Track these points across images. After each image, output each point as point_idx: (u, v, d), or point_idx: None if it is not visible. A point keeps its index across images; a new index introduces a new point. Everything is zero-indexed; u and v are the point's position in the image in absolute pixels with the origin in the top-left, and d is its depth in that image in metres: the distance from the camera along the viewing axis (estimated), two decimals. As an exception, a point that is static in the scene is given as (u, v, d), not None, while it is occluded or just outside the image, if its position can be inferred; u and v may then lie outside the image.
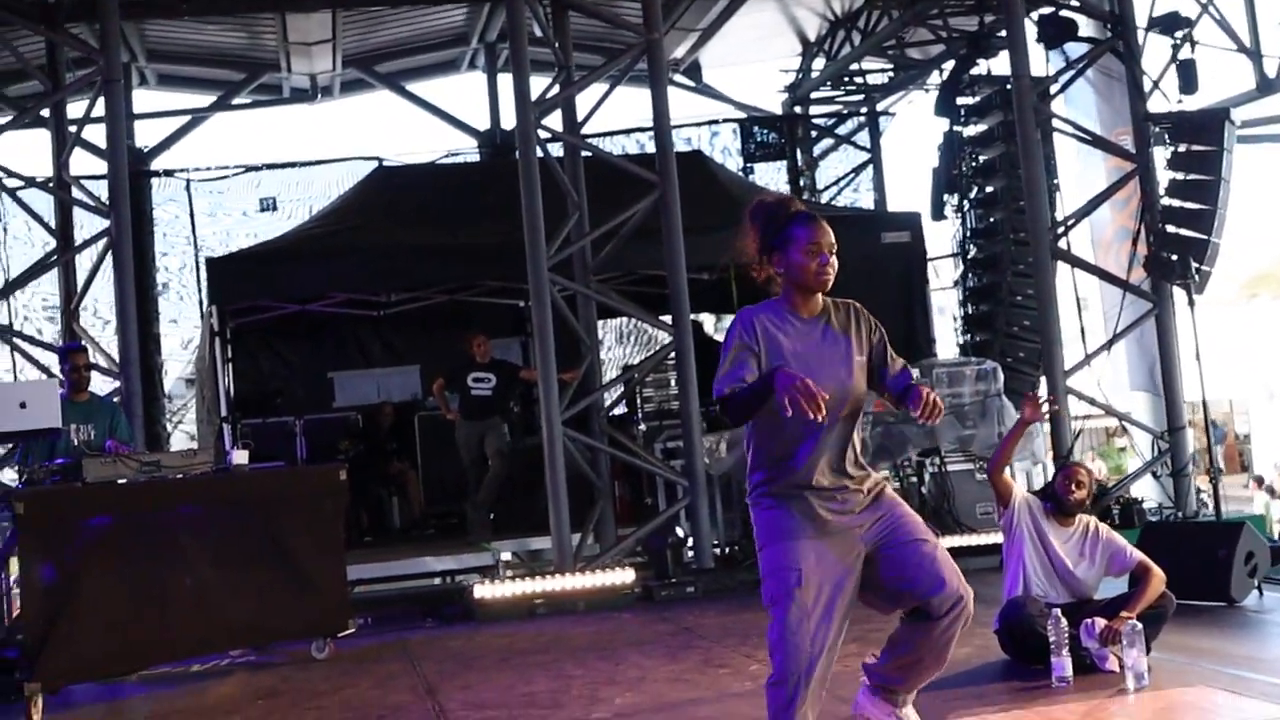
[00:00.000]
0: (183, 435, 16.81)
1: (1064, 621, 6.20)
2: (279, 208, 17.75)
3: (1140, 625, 6.14)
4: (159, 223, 17.20)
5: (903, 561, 4.36)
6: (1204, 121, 11.99)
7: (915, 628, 4.43)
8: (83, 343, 11.39)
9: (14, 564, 8.54)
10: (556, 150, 12.17)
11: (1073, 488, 6.73)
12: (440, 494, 14.25)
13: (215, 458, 8.56)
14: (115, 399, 10.58)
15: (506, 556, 12.41)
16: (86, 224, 13.47)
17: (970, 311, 14.95)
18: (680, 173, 11.79)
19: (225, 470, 8.37)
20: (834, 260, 4.37)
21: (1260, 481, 21.79)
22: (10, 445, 8.39)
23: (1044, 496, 6.89)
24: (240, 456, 8.59)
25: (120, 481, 7.79)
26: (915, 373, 4.51)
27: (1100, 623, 6.40)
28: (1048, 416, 7.83)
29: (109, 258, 11.53)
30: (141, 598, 7.72)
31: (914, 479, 11.73)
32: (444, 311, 15.68)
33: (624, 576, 10.32)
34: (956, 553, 7.49)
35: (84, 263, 13.14)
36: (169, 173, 17.28)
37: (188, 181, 17.28)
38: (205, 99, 17.94)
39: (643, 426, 13.28)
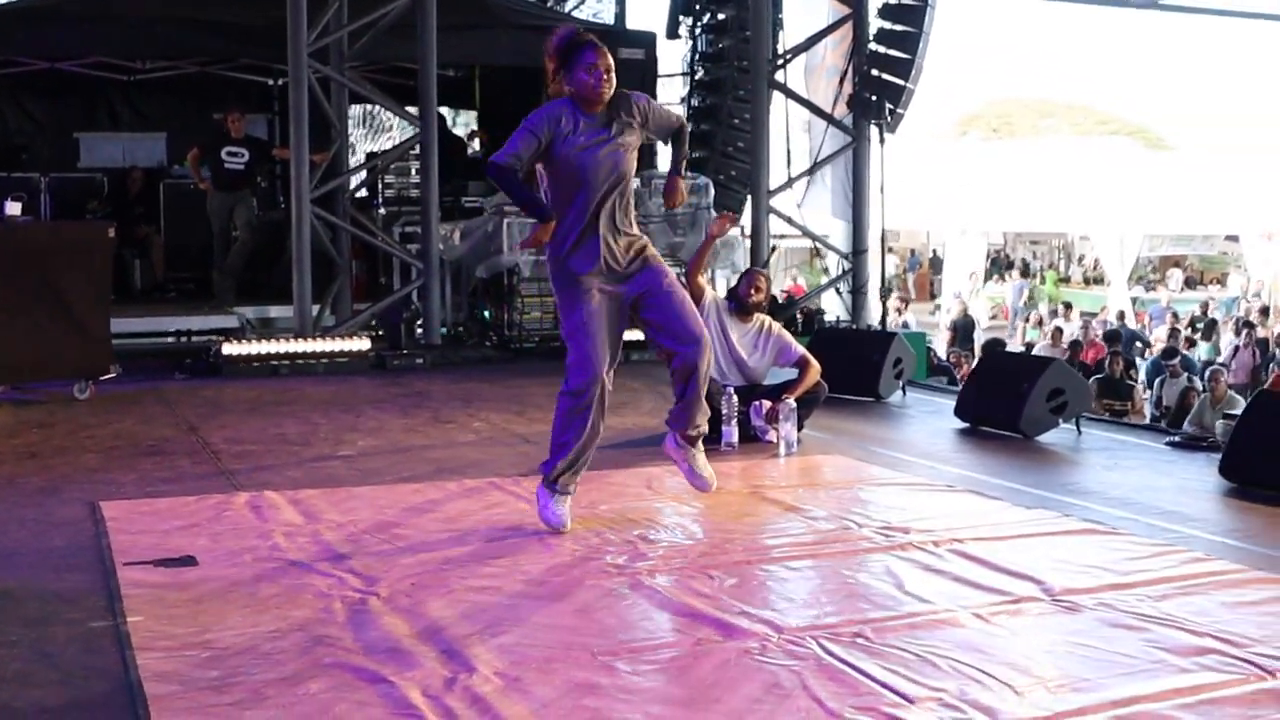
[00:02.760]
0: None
1: (735, 398, 7.56)
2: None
3: (794, 405, 7.56)
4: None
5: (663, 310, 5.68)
6: (913, -23, 13.25)
7: (677, 374, 5.79)
8: None
9: None
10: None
11: (752, 291, 8.02)
12: (182, 260, 14.72)
13: (-12, 209, 9.19)
14: None
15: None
16: None
17: (692, 129, 16.13)
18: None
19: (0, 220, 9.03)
20: (610, 78, 5.45)
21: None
22: None
23: (729, 297, 8.19)
24: (13, 208, 9.26)
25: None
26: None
27: (765, 404, 7.77)
28: (733, 233, 9.14)
29: None
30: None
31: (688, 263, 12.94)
32: (195, 82, 16.13)
33: (360, 345, 11.33)
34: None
35: None
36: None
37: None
38: None
39: (383, 211, 14.19)
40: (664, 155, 15.40)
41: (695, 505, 6.11)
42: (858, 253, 13.63)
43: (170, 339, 13.08)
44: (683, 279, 12.40)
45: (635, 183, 7.01)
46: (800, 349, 8.15)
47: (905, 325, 19.82)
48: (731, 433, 7.55)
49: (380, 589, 4.70)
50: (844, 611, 4.46)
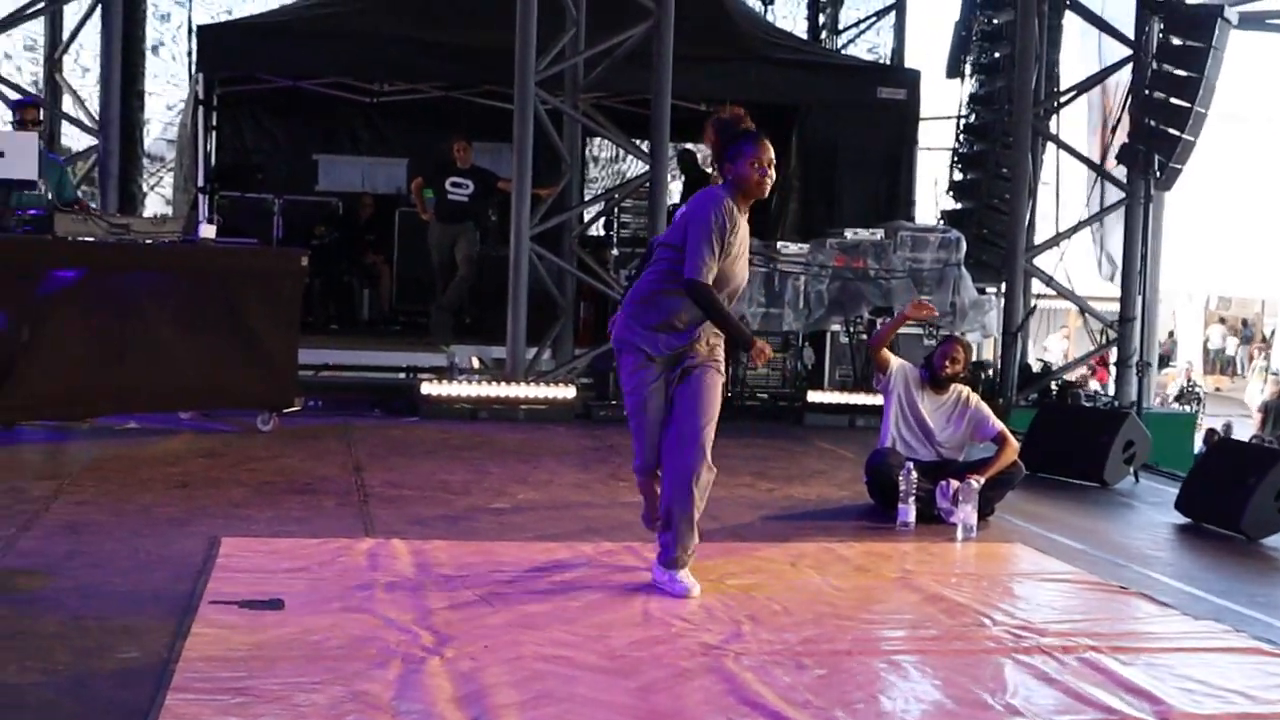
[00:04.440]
0: (158, 199, 18.01)
1: (914, 474, 7.54)
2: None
3: (976, 484, 7.50)
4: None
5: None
6: (1197, 15, 12.92)
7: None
8: (37, 96, 12.50)
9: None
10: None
11: (946, 363, 8.01)
12: (413, 291, 15.32)
13: (185, 228, 9.87)
14: (66, 160, 11.63)
15: (475, 362, 13.78)
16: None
17: (958, 178, 16.06)
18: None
19: (192, 242, 9.67)
20: (772, 173, 5.78)
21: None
22: None
23: (924, 366, 8.18)
24: (208, 230, 9.91)
25: (89, 239, 9.05)
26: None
27: (953, 484, 7.72)
28: (928, 319, 9.21)
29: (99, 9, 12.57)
30: (99, 350, 9.05)
31: (863, 336, 12.92)
32: (438, 107, 16.81)
33: (566, 392, 11.66)
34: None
35: (72, 8, 14.13)
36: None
37: (190, -63, 18.25)
38: None
39: (615, 252, 14.55)
40: (920, 207, 15.43)
41: (833, 586, 6.14)
42: (1124, 320, 13.31)
43: (383, 373, 13.69)
44: (928, 340, 12.47)
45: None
46: (999, 425, 8.09)
47: (1193, 402, 19.22)
48: (908, 512, 7.54)
49: (448, 649, 4.90)
50: (920, 716, 4.45)
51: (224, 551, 6.21)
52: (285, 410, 10.00)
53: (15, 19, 14.00)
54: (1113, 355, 13.91)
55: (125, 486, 7.72)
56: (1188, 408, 21.08)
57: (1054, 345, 27.37)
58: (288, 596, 5.49)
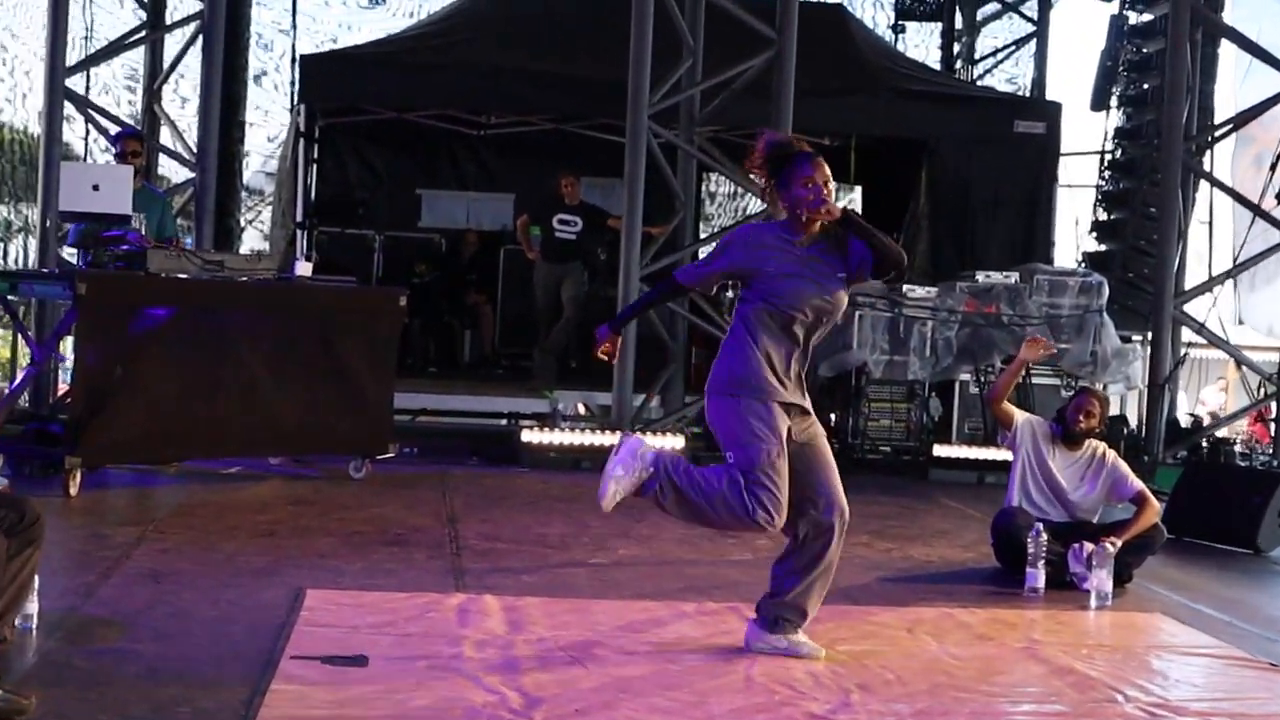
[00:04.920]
0: (255, 234, 18.33)
1: (1044, 536, 7.46)
2: (387, 3, 19.17)
3: (1112, 548, 7.40)
4: (262, 3, 18.48)
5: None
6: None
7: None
8: (139, 129, 12.80)
9: (67, 342, 10.18)
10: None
11: (1080, 417, 7.93)
12: (517, 333, 15.45)
13: (280, 265, 10.05)
14: (165, 192, 11.93)
15: (581, 408, 13.85)
16: (184, 1, 14.90)
17: (1101, 217, 15.91)
18: (814, 28, 12.89)
19: (288, 280, 9.84)
20: (829, 190, 5.69)
21: None
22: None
23: (1056, 421, 8.10)
24: (304, 268, 10.08)
25: (182, 276, 9.24)
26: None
27: (1088, 548, 7.61)
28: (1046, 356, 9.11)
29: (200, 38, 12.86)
30: (189, 392, 9.22)
31: (991, 385, 12.87)
32: (548, 141, 16.94)
33: (675, 442, 11.64)
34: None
35: (171, 38, 14.46)
36: (275, -46, 18.60)
37: (295, -35, 18.59)
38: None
39: (730, 294, 14.55)
40: (1060, 249, 15.27)
41: (951, 655, 6.09)
42: (1285, 373, 13.12)
43: (484, 419, 13.81)
44: (1065, 391, 12.34)
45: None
46: (1138, 483, 7.99)
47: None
48: (1036, 576, 7.45)
49: (538, 712, 4.93)
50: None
51: (308, 604, 6.29)
52: (379, 457, 10.12)
53: (116, 48, 14.38)
54: (1272, 410, 13.68)
55: (210, 534, 7.87)
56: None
57: (1210, 398, 26.94)
58: (372, 653, 5.55)
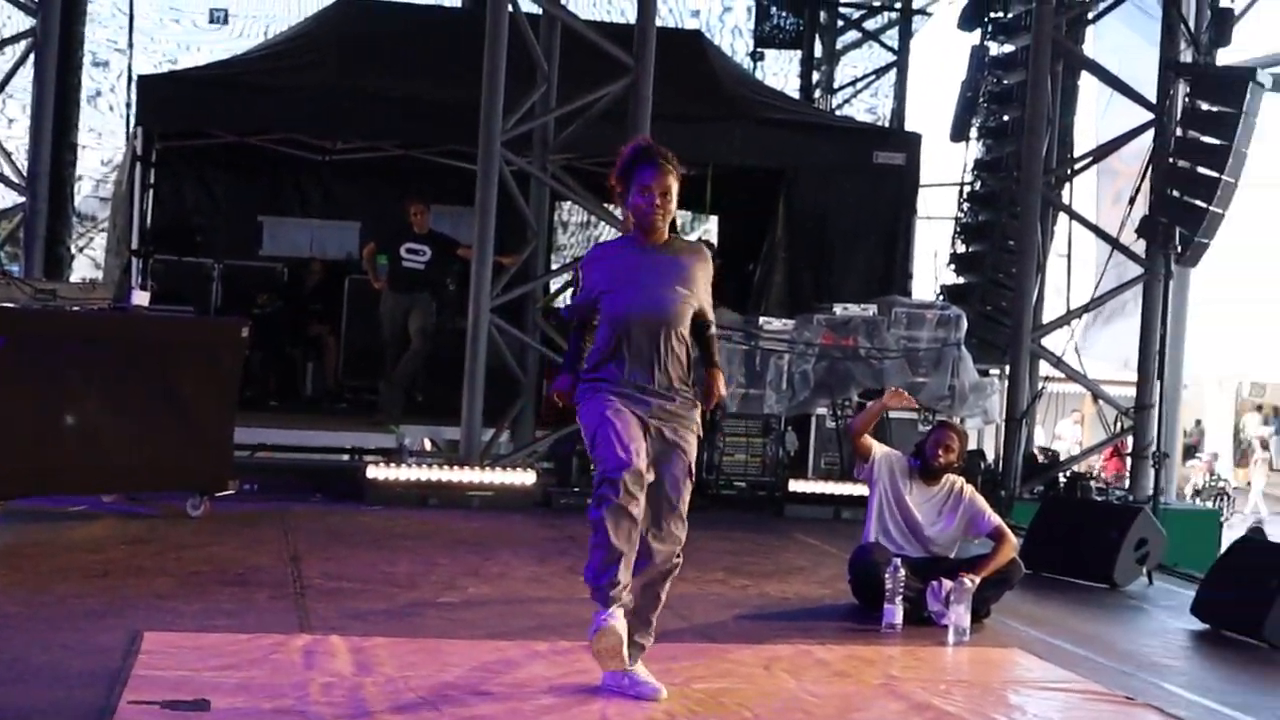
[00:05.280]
0: (86, 261, 18.11)
1: (902, 572, 7.65)
2: (230, 22, 19.06)
3: (970, 584, 7.61)
4: (97, 20, 18.29)
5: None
6: (1226, 79, 13.20)
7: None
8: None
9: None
10: (537, 10, 13.27)
11: (939, 452, 8.15)
12: (362, 366, 15.35)
13: (115, 294, 10.00)
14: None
15: (426, 444, 13.88)
16: (14, 18, 14.73)
17: (961, 250, 16.26)
18: (671, 54, 13.05)
19: (123, 310, 9.79)
20: (665, 204, 5.82)
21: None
22: None
23: (914, 455, 8.30)
24: (140, 298, 10.02)
25: (9, 305, 9.14)
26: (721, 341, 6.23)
27: (946, 585, 7.81)
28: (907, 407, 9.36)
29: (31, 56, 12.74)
30: (18, 428, 9.10)
31: (851, 420, 13.09)
32: (397, 168, 16.99)
33: (525, 478, 11.76)
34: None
35: (4, 55, 14.30)
36: (112, -32, 18.41)
37: (132, -21, 18.39)
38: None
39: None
40: (919, 281, 15.57)
41: (809, 693, 6.22)
42: (1140, 408, 13.49)
43: (327, 455, 13.78)
44: (923, 425, 12.59)
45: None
46: (995, 518, 8.22)
47: (1216, 498, 19.43)
48: (894, 613, 7.64)
49: (386, 755, 4.98)
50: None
51: (146, 647, 6.27)
52: (218, 494, 10.07)
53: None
54: (1128, 445, 14.09)
55: (41, 575, 7.80)
56: (1209, 504, 21.27)
57: (1066, 432, 27.62)
58: (215, 696, 5.56)
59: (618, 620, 5.70)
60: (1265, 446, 29.99)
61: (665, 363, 5.90)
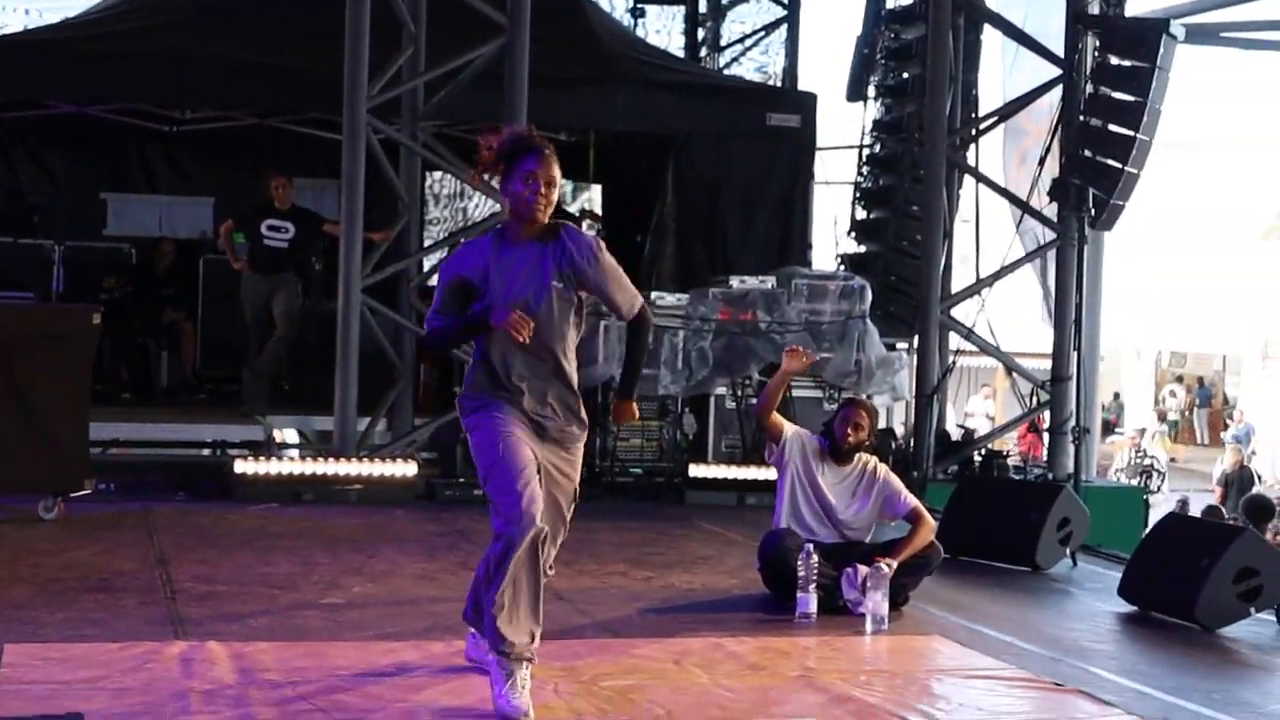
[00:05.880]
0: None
1: (815, 558, 7.77)
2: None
3: (887, 569, 7.74)
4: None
5: None
6: (1137, 31, 13.41)
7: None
8: None
9: None
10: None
11: (849, 430, 8.26)
12: (222, 354, 15.26)
13: (-51, 281, 9.89)
14: None
15: (290, 435, 13.83)
16: None
17: (861, 216, 16.45)
18: (548, 13, 13.05)
19: (-43, 297, 9.71)
20: (549, 194, 5.92)
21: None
22: None
23: (823, 435, 8.42)
24: (-16, 286, 9.92)
25: None
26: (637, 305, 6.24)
27: (862, 571, 7.93)
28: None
29: None
30: None
31: (753, 400, 13.13)
32: (253, 138, 16.81)
33: (406, 470, 11.77)
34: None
35: None
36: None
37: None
38: None
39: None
40: (819, 250, 15.71)
41: (724, 687, 6.32)
42: (1057, 380, 13.73)
43: (188, 450, 13.69)
44: (829, 404, 12.73)
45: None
46: (911, 499, 8.36)
47: (1146, 474, 19.78)
48: (808, 601, 7.76)
49: (282, 764, 5.02)
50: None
51: (8, 660, 6.25)
52: (73, 495, 10.01)
53: None
54: (1045, 420, 14.33)
55: (-121, 588, 7.73)
56: (1135, 481, 21.65)
57: (978, 408, 27.96)
58: (87, 711, 5.55)
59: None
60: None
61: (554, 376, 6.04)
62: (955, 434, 15.14)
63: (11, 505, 10.08)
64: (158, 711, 5.62)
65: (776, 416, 8.35)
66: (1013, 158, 17.17)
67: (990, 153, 16.77)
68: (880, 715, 6.00)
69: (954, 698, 6.45)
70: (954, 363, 14.61)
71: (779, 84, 18.77)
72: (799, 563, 7.75)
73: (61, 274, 15.08)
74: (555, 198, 5.95)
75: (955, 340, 14.44)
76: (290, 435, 14.50)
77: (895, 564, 7.92)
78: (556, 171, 5.94)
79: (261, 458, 11.81)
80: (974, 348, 14.41)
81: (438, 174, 17.52)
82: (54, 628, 7.00)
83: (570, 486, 6.16)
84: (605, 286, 6.04)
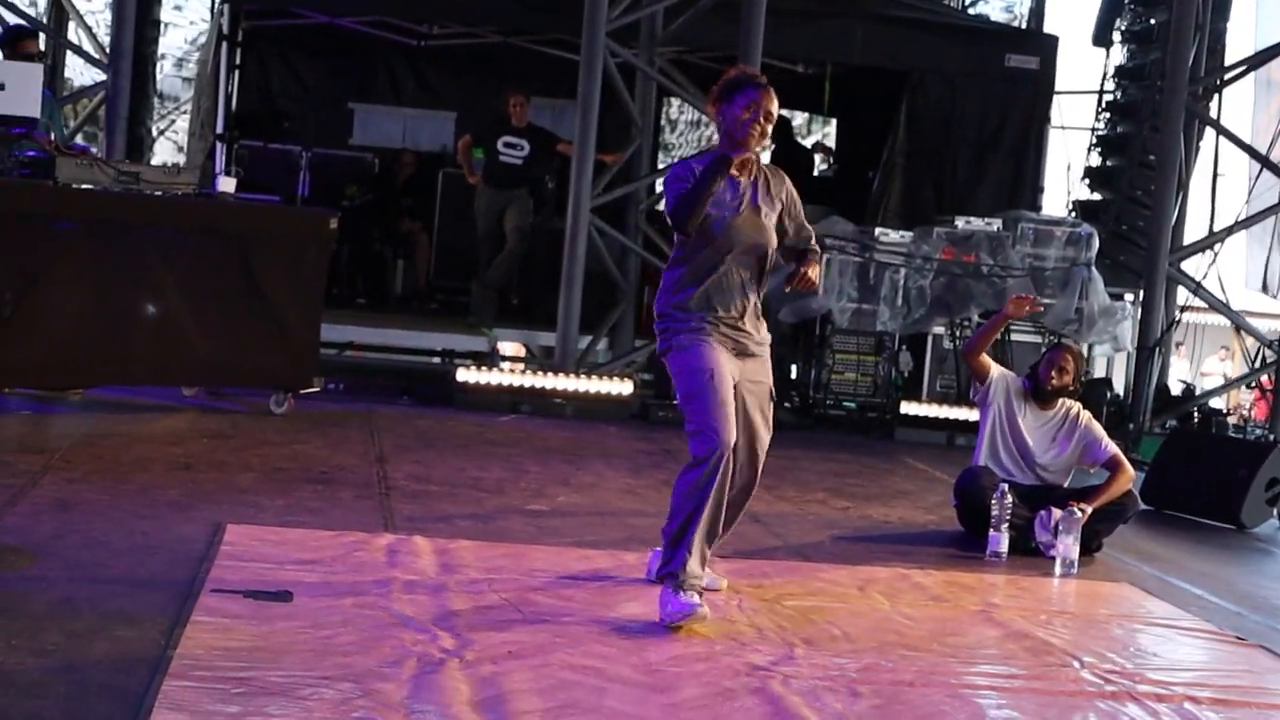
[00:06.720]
0: (169, 145, 18.53)
1: (1010, 498, 7.89)
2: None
3: (1081, 514, 7.84)
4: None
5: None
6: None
7: None
8: (34, 25, 12.93)
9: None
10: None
11: (1053, 374, 8.35)
12: (455, 266, 15.72)
13: (200, 180, 10.37)
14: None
15: (511, 347, 14.21)
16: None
17: (1096, 163, 16.32)
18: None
19: (209, 196, 10.17)
20: (765, 126, 6.13)
21: None
22: None
23: (1028, 377, 8.52)
24: (227, 184, 10.40)
25: (90, 187, 9.53)
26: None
27: (1056, 514, 8.03)
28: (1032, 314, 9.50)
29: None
30: (99, 314, 9.57)
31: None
32: (495, 56, 17.23)
33: (622, 388, 12.07)
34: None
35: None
36: None
37: None
38: None
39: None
40: (1049, 196, 15.62)
41: (903, 615, 6.52)
42: (1286, 339, 13.60)
43: (415, 356, 14.14)
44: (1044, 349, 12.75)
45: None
46: (1112, 447, 8.42)
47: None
48: (1000, 540, 7.89)
49: (469, 652, 5.32)
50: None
51: (229, 539, 6.66)
52: (303, 392, 10.48)
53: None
54: (1271, 381, 14.17)
55: (121, 465, 8.22)
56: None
57: (1214, 368, 27.44)
58: (297, 589, 5.92)
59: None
60: None
61: (755, 295, 6.31)
62: (1178, 389, 14.98)
63: (246, 398, 10.61)
64: (361, 595, 5.96)
65: (984, 356, 8.48)
66: (1263, 112, 16.88)
67: (1241, 105, 16.51)
68: (1054, 654, 6.13)
69: (1130, 643, 6.56)
70: (1179, 317, 14.48)
71: (1023, 25, 18.64)
72: (993, 501, 7.88)
73: (307, 179, 15.52)
74: (769, 131, 6.17)
75: (1183, 295, 14.31)
76: (519, 349, 14.88)
77: (1090, 510, 7.99)
78: (775, 107, 6.16)
79: (484, 368, 12.18)
80: (1202, 304, 14.22)
81: (674, 100, 17.76)
82: (274, 513, 7.41)
83: (766, 388, 6.43)
84: (797, 218, 6.39)
